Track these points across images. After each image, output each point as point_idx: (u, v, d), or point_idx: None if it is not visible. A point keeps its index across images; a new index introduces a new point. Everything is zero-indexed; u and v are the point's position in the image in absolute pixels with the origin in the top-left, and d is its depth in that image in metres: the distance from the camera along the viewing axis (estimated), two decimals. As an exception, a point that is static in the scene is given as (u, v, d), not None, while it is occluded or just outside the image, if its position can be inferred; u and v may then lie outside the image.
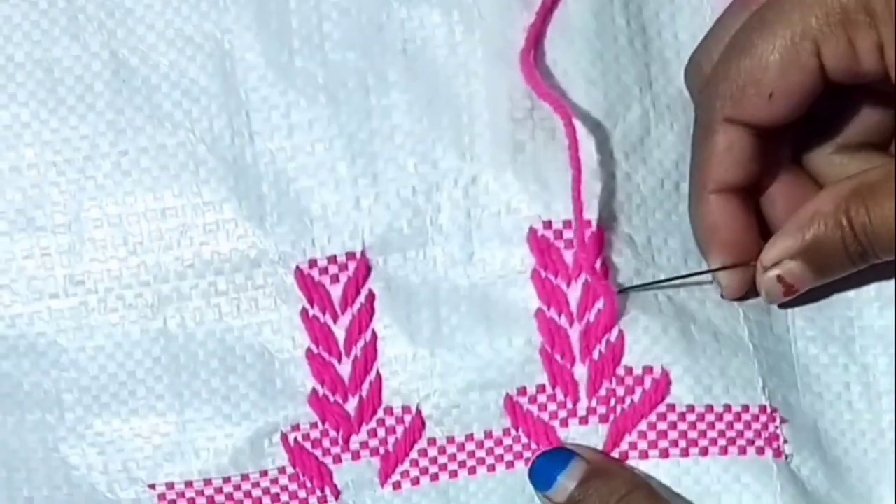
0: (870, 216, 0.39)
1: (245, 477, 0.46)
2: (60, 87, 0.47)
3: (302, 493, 0.46)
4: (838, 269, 0.42)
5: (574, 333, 0.44)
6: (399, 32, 0.46)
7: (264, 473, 0.46)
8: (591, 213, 0.44)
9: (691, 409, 0.44)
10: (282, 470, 0.46)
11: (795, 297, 0.44)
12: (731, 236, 0.43)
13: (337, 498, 0.46)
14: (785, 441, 0.44)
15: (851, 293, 0.44)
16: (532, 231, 0.45)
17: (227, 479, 0.46)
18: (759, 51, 0.40)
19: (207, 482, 0.46)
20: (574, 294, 0.45)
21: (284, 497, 0.46)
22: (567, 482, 0.43)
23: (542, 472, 0.44)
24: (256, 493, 0.46)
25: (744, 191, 0.43)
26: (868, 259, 0.41)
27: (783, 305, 0.45)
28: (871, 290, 0.44)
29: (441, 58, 0.46)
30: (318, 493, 0.46)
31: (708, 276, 0.45)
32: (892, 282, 0.44)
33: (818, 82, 0.40)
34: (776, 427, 0.44)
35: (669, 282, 0.45)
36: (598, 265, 0.44)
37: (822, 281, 0.43)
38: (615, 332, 0.44)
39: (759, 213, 0.45)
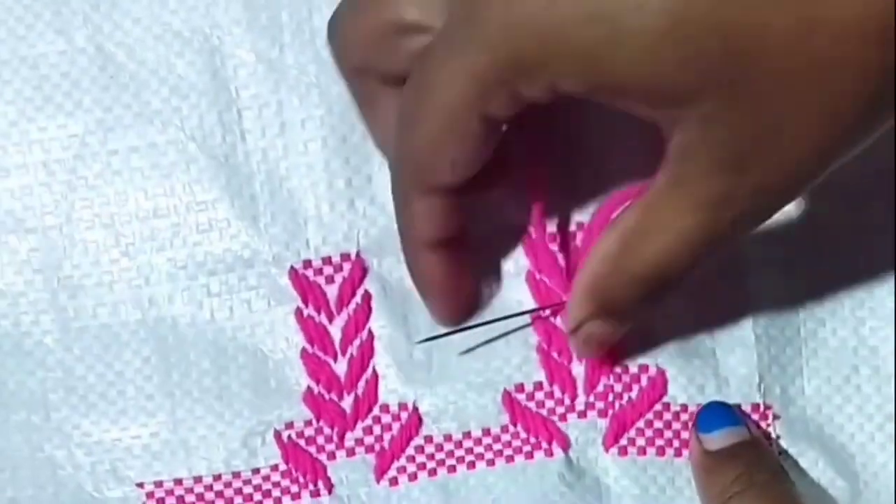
0: (648, 257, 0.39)
1: (237, 475, 0.46)
2: (47, 83, 0.46)
3: (294, 488, 0.46)
4: (640, 311, 0.42)
5: None
6: None
7: (256, 471, 0.46)
8: (586, 217, 0.46)
9: (685, 408, 0.45)
10: (274, 467, 0.46)
11: (806, 278, 0.45)
12: (450, 282, 0.44)
13: (330, 492, 0.46)
14: (778, 437, 0.46)
15: (863, 273, 0.45)
16: (526, 235, 0.46)
17: (217, 477, 0.46)
18: (427, 127, 0.38)
19: (197, 479, 0.46)
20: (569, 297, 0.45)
21: (276, 493, 0.46)
22: (724, 438, 0.43)
23: (709, 417, 0.44)
24: (248, 489, 0.46)
25: (455, 238, 0.43)
26: (663, 293, 0.40)
27: (792, 287, 0.46)
28: (882, 270, 0.45)
29: None
30: (311, 486, 0.46)
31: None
32: None
33: (495, 133, 0.38)
34: (768, 425, 0.46)
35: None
36: None
37: (633, 322, 0.43)
38: None
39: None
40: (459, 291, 0.45)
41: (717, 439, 0.44)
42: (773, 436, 0.46)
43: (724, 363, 0.46)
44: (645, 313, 0.42)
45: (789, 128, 0.34)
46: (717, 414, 0.44)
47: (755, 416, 0.46)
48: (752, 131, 0.34)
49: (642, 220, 0.38)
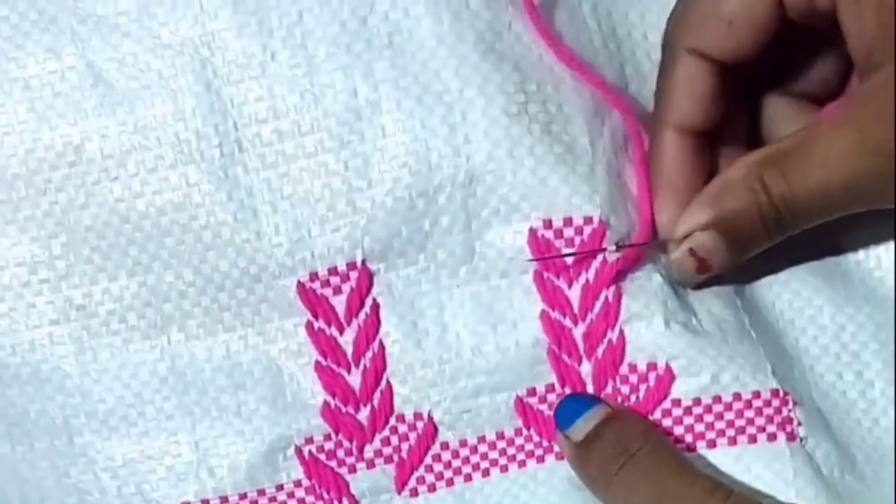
0: (788, 181, 0.39)
1: (261, 492, 0.46)
2: (39, 104, 0.46)
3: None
4: (754, 241, 0.42)
5: (578, 333, 0.45)
6: (384, 24, 0.45)
7: (280, 487, 0.46)
8: (594, 210, 0.44)
9: (698, 402, 0.44)
10: (297, 483, 0.46)
11: (784, 288, 0.45)
12: (679, 177, 0.43)
13: None
14: (799, 424, 0.45)
15: (840, 280, 0.45)
16: (532, 232, 0.45)
17: (243, 496, 0.46)
18: None
19: (224, 500, 0.46)
20: (575, 295, 0.45)
21: None
22: (586, 423, 0.43)
23: (566, 412, 0.44)
24: None
25: (701, 135, 0.43)
26: (785, 229, 0.41)
27: (771, 297, 0.45)
28: (860, 276, 0.45)
29: (429, 50, 0.44)
30: (336, 502, 0.46)
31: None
32: (881, 268, 0.45)
33: (775, 12, 0.40)
34: (789, 410, 0.44)
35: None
36: (597, 264, 0.45)
37: (737, 258, 0.42)
38: (616, 331, 0.44)
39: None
40: (687, 189, 0.43)
41: (579, 429, 0.43)
42: (795, 422, 0.44)
43: (737, 351, 0.44)
44: (744, 256, 0.42)
45: None
46: (571, 405, 0.44)
47: (776, 402, 0.44)
48: None
49: (805, 146, 0.39)
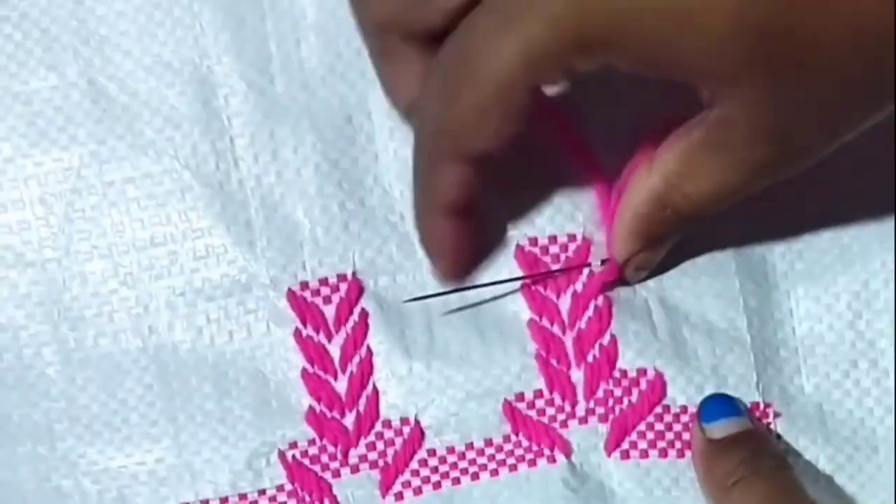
0: (692, 197, 0.41)
1: (243, 496, 0.46)
2: (41, 119, 0.47)
3: None
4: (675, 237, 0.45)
5: (568, 340, 0.47)
6: None
7: (262, 492, 0.47)
8: (577, 228, 0.47)
9: (685, 409, 0.46)
10: (280, 488, 0.47)
11: (801, 277, 0.47)
12: (461, 245, 0.45)
13: None
14: (778, 436, 0.46)
15: (857, 267, 0.47)
16: (519, 248, 0.47)
17: (224, 500, 0.46)
18: (473, 97, 0.38)
19: (204, 503, 0.46)
20: (564, 305, 0.47)
21: None
22: (726, 426, 0.44)
23: (712, 408, 0.45)
24: None
25: (470, 204, 0.43)
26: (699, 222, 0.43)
27: (786, 287, 0.47)
28: (876, 262, 0.47)
29: None
30: None
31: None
32: None
33: (535, 102, 0.38)
34: (769, 423, 0.46)
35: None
36: (584, 277, 0.47)
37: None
38: (607, 337, 0.46)
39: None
40: (467, 255, 0.45)
41: (720, 428, 0.44)
42: (774, 434, 0.46)
43: (723, 362, 0.46)
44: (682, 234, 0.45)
45: (825, 104, 0.36)
46: (720, 404, 0.45)
47: (756, 414, 0.46)
48: (794, 109, 0.36)
49: (685, 166, 0.40)
